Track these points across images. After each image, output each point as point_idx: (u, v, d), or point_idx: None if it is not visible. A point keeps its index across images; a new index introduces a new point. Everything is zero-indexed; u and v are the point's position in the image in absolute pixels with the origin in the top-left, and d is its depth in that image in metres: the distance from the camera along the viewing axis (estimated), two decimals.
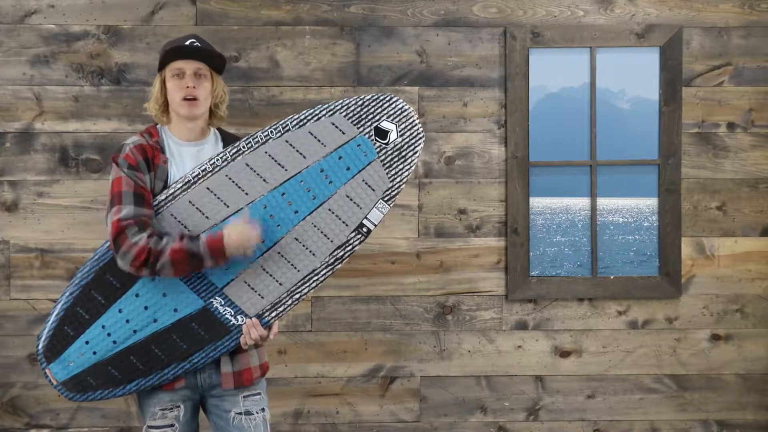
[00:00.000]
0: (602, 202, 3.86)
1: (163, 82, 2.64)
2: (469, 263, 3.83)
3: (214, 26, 3.76)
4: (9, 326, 3.73)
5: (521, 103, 3.81)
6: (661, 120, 3.83)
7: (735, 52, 3.85)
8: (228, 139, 2.74)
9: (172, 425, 2.62)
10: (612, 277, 3.85)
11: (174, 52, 2.60)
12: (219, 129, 2.77)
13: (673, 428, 3.89)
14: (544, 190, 3.85)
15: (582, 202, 3.87)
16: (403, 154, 2.64)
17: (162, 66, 2.64)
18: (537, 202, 3.85)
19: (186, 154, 2.65)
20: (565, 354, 3.86)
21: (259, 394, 2.70)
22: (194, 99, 2.60)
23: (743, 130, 3.86)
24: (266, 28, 3.78)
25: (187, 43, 2.62)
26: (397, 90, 3.79)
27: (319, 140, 2.62)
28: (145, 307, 2.56)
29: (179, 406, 2.63)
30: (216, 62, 2.66)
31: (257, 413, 2.68)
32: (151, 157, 2.59)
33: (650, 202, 3.86)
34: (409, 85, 3.80)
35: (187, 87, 2.59)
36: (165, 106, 2.66)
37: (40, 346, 2.56)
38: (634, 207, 3.87)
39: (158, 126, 2.69)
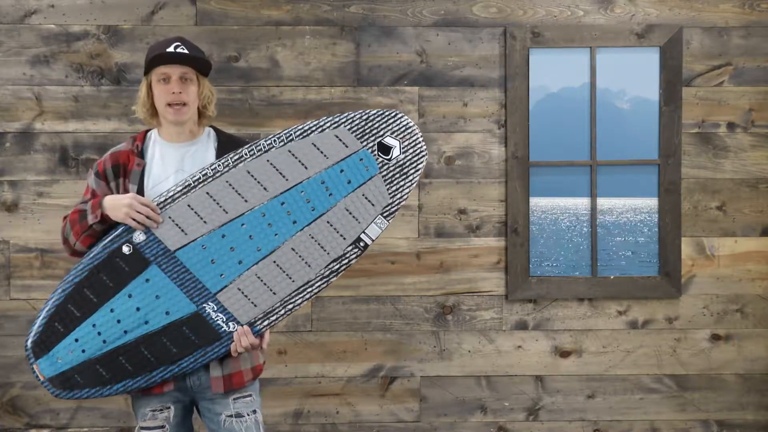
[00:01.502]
0: (602, 202, 3.86)
1: (149, 86, 2.64)
2: (469, 263, 3.83)
3: (214, 26, 3.75)
4: (9, 326, 3.74)
5: (521, 103, 3.80)
6: (661, 120, 3.82)
7: (735, 52, 3.84)
8: (222, 139, 2.73)
9: (162, 426, 2.64)
10: (612, 277, 3.85)
11: (158, 59, 2.59)
12: (215, 129, 2.76)
13: (673, 428, 3.90)
14: (544, 190, 3.85)
15: (582, 202, 3.86)
16: (405, 170, 2.64)
17: (147, 70, 2.63)
18: (537, 202, 3.85)
19: (173, 156, 2.65)
20: (565, 354, 3.87)
21: (250, 395, 2.70)
22: (182, 104, 2.60)
23: (743, 130, 3.86)
24: (266, 28, 3.77)
25: (172, 47, 2.61)
26: (397, 90, 3.78)
27: (321, 152, 2.62)
28: (137, 308, 2.56)
29: (169, 408, 2.65)
30: (201, 66, 2.65)
31: (248, 415, 2.68)
32: (125, 163, 2.63)
33: (650, 202, 3.86)
34: (409, 85, 3.80)
35: (173, 93, 2.60)
36: (153, 110, 2.67)
37: (29, 342, 2.56)
38: (634, 207, 3.87)
39: (150, 130, 2.71)
